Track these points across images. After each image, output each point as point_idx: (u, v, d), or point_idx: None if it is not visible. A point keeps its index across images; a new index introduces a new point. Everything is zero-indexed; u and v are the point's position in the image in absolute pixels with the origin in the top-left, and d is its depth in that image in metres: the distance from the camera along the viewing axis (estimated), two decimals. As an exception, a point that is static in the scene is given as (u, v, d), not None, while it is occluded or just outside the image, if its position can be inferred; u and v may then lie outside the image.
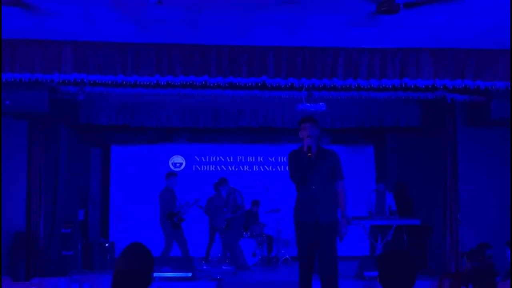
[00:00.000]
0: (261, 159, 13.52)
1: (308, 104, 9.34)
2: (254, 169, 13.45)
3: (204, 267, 11.03)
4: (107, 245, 11.11)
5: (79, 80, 8.05)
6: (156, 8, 6.70)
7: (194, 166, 13.49)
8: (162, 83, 8.17)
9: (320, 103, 9.40)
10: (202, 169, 13.48)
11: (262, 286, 9.58)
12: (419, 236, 10.69)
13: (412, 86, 8.34)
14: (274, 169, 13.50)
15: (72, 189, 10.78)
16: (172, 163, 13.40)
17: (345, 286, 9.33)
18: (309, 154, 5.68)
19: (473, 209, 9.88)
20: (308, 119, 5.90)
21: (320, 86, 8.52)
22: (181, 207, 10.57)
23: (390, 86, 8.37)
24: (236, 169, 13.56)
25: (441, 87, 8.48)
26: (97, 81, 8.10)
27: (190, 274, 9.39)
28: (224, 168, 13.49)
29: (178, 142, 13.01)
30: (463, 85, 8.25)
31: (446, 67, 8.17)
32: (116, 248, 11.29)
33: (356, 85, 8.28)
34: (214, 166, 13.54)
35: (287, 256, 11.87)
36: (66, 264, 10.02)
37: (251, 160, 13.62)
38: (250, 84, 8.28)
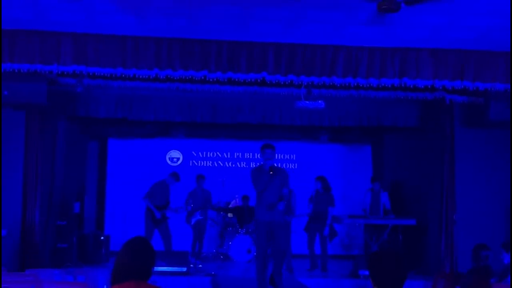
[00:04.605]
0: (258, 156, 13.48)
1: (307, 102, 9.32)
2: (251, 166, 13.44)
3: (198, 263, 11.02)
4: (102, 238, 11.08)
5: (78, 72, 8.02)
6: (156, 2, 6.69)
7: (191, 161, 13.49)
8: (161, 77, 8.15)
9: (319, 101, 9.39)
10: (199, 164, 13.48)
11: (255, 282, 9.57)
12: (414, 236, 10.70)
13: (411, 86, 8.33)
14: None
15: (68, 181, 10.76)
16: (169, 158, 13.40)
17: (340, 285, 9.36)
18: (271, 172, 7.62)
19: (469, 210, 9.90)
20: (268, 146, 7.76)
21: (319, 84, 8.49)
22: (170, 207, 10.52)
23: (389, 86, 8.36)
24: (233, 165, 13.55)
25: (440, 87, 8.49)
26: (96, 74, 8.07)
27: (185, 269, 9.40)
28: (221, 164, 13.49)
29: (175, 136, 12.99)
30: (462, 86, 8.25)
31: (446, 67, 8.17)
32: (111, 241, 11.28)
33: (355, 84, 8.27)
34: (211, 162, 13.54)
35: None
36: (60, 256, 10.02)
37: (248, 156, 13.62)
38: (249, 80, 8.26)
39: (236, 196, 12.79)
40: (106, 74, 8.08)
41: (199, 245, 11.49)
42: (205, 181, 11.76)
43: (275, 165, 7.83)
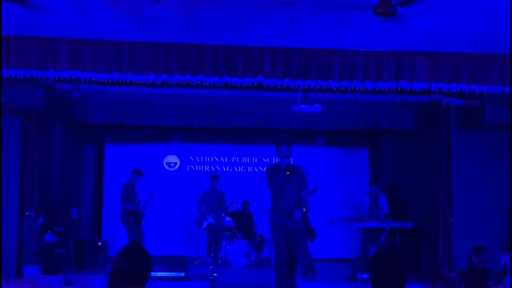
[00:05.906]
0: (256, 160, 13.51)
1: (304, 106, 9.34)
2: (249, 170, 13.45)
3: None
4: (99, 243, 11.05)
5: (74, 78, 8.00)
6: (153, 7, 6.69)
7: (188, 166, 13.47)
8: (158, 82, 8.14)
9: (316, 105, 9.41)
10: (197, 169, 13.47)
11: (254, 287, 9.57)
12: (412, 239, 10.71)
13: (407, 89, 8.33)
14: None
15: (65, 187, 10.74)
16: (166, 163, 13.37)
17: (338, 288, 9.36)
18: (288, 172, 7.13)
19: (466, 213, 9.91)
20: (283, 142, 7.32)
21: (316, 88, 8.50)
22: (141, 207, 10.48)
23: (386, 89, 8.36)
24: (231, 169, 13.54)
25: (436, 90, 8.49)
26: (92, 79, 8.06)
27: (183, 274, 9.38)
28: (219, 169, 13.47)
29: (172, 141, 12.98)
30: (458, 89, 8.25)
31: (442, 70, 8.17)
32: (109, 247, 11.26)
33: (352, 87, 8.26)
34: (208, 166, 13.52)
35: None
36: (58, 262, 9.98)
37: (245, 161, 13.61)
38: (245, 84, 8.26)
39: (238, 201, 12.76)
40: (102, 80, 8.07)
41: (215, 249, 11.37)
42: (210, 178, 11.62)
43: (292, 163, 7.50)
